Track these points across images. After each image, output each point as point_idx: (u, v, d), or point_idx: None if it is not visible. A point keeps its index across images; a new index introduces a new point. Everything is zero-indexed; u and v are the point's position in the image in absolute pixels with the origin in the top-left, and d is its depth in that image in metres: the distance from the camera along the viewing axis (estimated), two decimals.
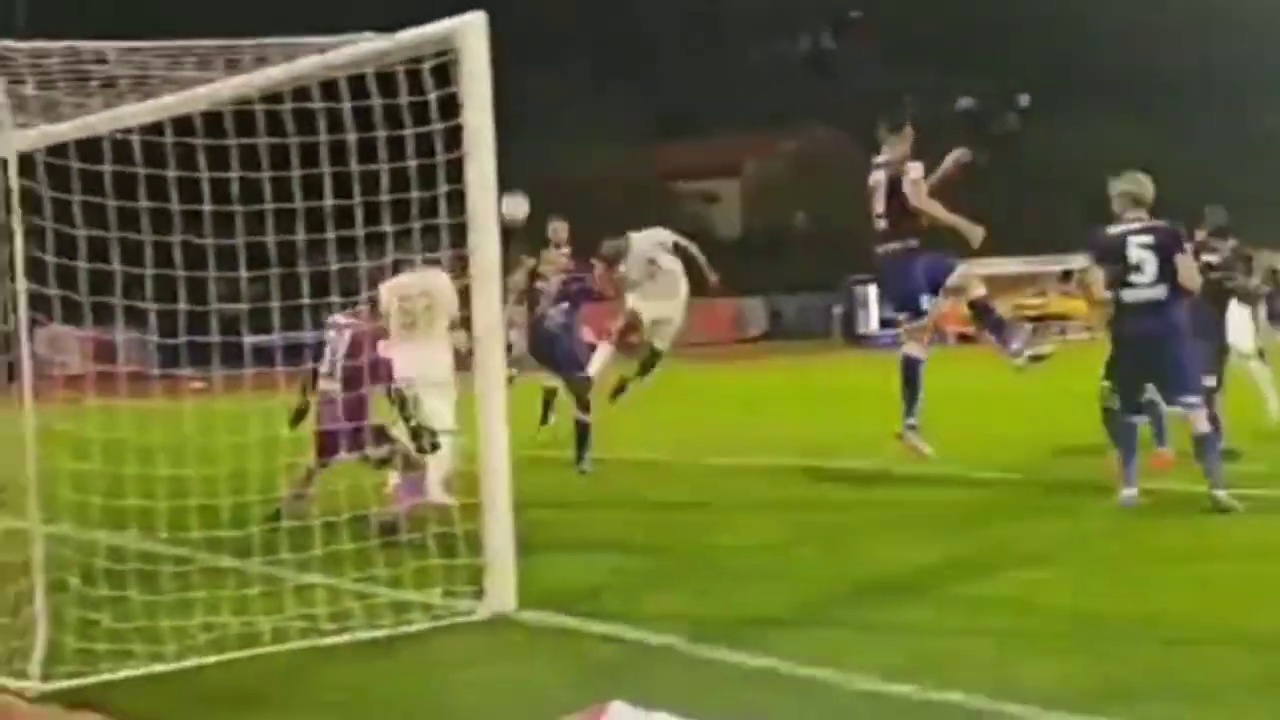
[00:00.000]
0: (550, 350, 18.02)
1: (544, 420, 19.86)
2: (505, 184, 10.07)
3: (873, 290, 68.53)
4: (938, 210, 14.70)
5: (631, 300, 17.78)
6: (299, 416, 13.82)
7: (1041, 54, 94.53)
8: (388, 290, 14.43)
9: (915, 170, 14.49)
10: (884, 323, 68.91)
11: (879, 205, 14.82)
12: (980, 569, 11.16)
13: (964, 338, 65.55)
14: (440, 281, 14.00)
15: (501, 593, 10.05)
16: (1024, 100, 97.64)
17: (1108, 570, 10.94)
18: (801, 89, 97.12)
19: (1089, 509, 13.52)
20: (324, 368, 13.86)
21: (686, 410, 25.79)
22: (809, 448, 19.48)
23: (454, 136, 9.99)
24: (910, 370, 14.56)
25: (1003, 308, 61.78)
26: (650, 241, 17.60)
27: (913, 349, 14.51)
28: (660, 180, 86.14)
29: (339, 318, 13.70)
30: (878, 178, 14.75)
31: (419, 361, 13.96)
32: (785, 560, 12.00)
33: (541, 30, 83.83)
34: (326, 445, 13.67)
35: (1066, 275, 67.32)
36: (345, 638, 9.48)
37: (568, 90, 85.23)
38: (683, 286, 18.05)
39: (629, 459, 18.86)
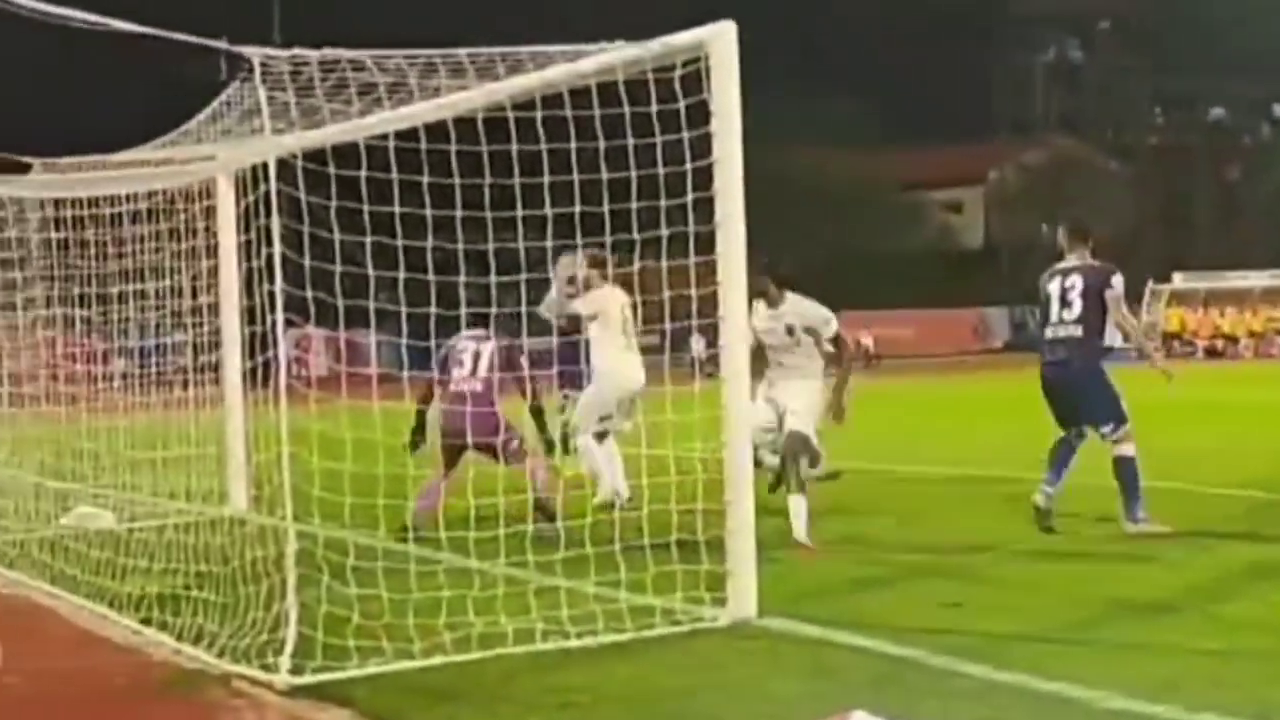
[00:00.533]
0: None
1: None
2: (750, 190, 10.08)
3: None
4: (1134, 325, 14.04)
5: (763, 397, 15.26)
6: (420, 430, 14.26)
7: None
8: (606, 300, 14.89)
9: (1120, 283, 13.77)
10: (1126, 336, 67.79)
11: (1072, 312, 13.71)
12: (1232, 589, 10.94)
13: (1211, 352, 64.51)
14: None
15: (743, 599, 10.07)
16: (1278, 111, 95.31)
17: None
18: (1047, 98, 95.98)
19: None
20: (462, 371, 14.25)
21: (925, 419, 25.58)
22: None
23: (700, 144, 10.04)
24: (1130, 470, 13.54)
25: (1255, 322, 60.07)
26: (817, 315, 14.09)
27: (1129, 448, 13.54)
28: (903, 189, 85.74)
29: (478, 330, 14.25)
30: (1073, 282, 13.76)
31: (639, 367, 14.81)
32: (1030, 574, 11.83)
33: (785, 36, 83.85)
34: (454, 454, 14.04)
35: None
36: (587, 640, 9.55)
37: (810, 97, 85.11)
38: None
39: (866, 469, 18.76)
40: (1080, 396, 13.67)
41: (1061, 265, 14.03)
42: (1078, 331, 13.68)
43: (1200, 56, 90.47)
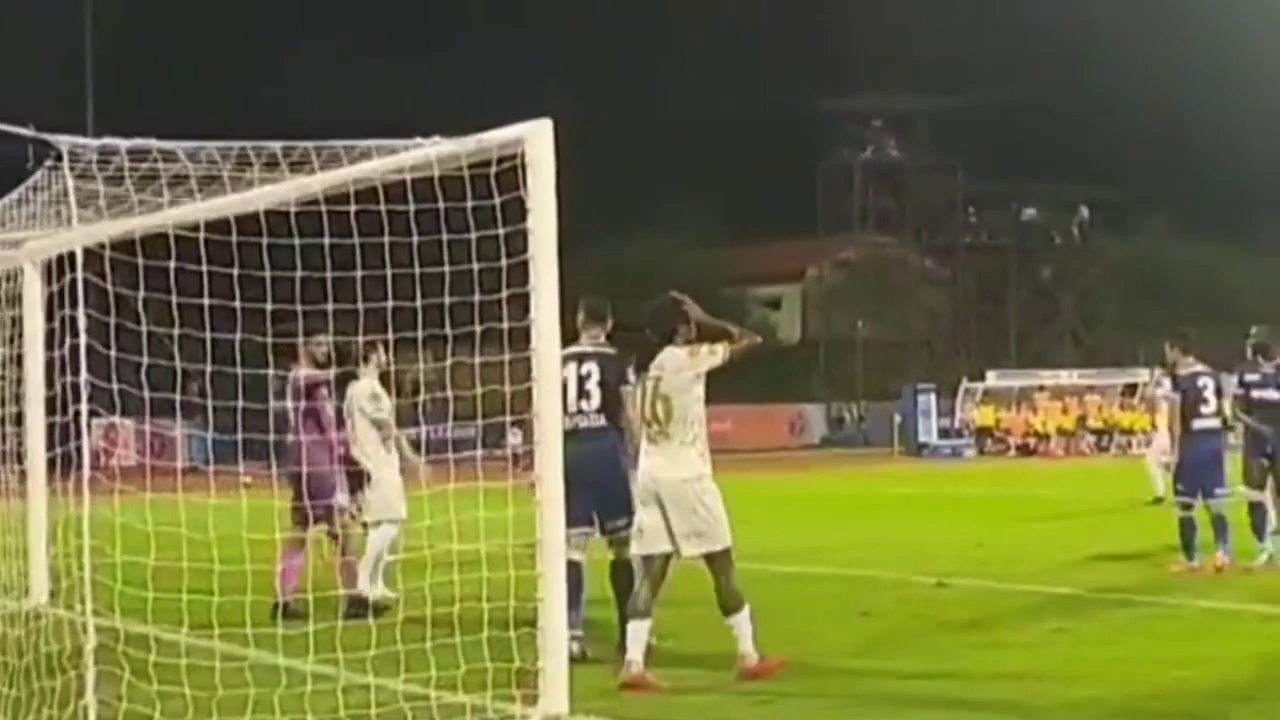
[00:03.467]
0: None
1: None
2: (565, 286, 10.10)
3: (933, 399, 68.50)
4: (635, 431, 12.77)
5: None
6: None
7: (1121, 165, 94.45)
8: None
9: (633, 375, 12.81)
10: (943, 433, 68.90)
11: (591, 402, 12.83)
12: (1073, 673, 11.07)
13: (1024, 449, 65.56)
14: None
15: (555, 696, 10.00)
16: (1084, 212, 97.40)
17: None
18: (864, 197, 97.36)
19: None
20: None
21: (743, 514, 25.64)
22: (862, 557, 19.38)
23: (516, 240, 10.05)
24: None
25: (1066, 420, 61.05)
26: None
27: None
28: (724, 285, 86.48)
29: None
30: (589, 370, 12.87)
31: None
32: (851, 669, 11.81)
33: (621, 133, 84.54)
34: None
35: (1130, 389, 67.38)
36: None
37: (632, 192, 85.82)
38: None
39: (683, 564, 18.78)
40: (599, 490, 12.66)
41: (576, 349, 12.97)
42: (600, 421, 12.90)
43: (1013, 157, 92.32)
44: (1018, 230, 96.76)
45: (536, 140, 10.02)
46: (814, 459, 60.87)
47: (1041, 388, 70.63)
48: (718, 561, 11.65)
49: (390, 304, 10.42)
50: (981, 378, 71.55)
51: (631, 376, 12.76)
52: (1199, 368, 17.85)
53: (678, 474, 11.49)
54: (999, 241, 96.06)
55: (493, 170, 10.02)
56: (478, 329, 10.35)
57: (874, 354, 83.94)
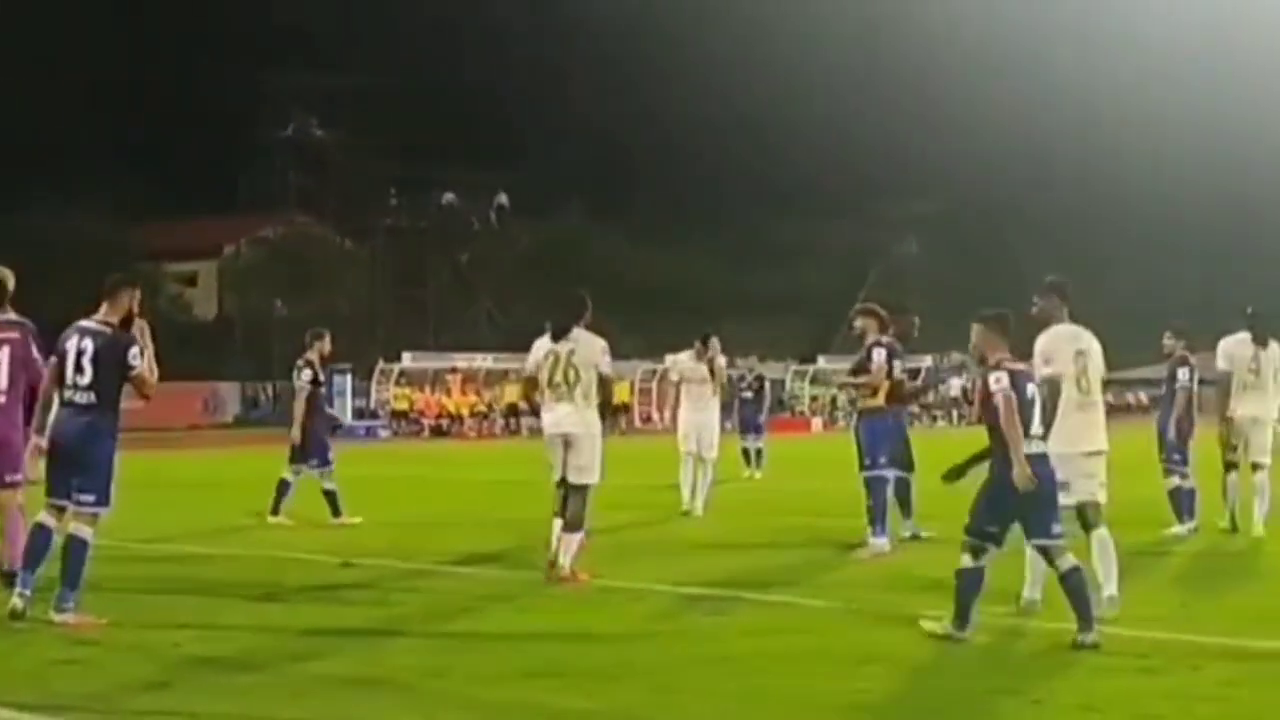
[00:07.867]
0: None
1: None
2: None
3: (349, 380, 68.66)
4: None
5: None
6: None
7: (539, 151, 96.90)
8: None
9: (136, 356, 12.84)
10: (359, 413, 69.18)
11: (84, 377, 12.73)
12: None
13: (437, 431, 66.40)
14: None
15: None
16: (503, 198, 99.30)
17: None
18: (285, 175, 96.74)
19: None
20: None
21: (147, 495, 25.21)
22: (270, 537, 19.29)
23: None
24: (83, 553, 12.70)
25: (479, 402, 62.04)
26: None
27: (89, 531, 12.80)
28: (140, 260, 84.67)
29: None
30: (86, 345, 12.79)
31: None
32: (254, 647, 11.72)
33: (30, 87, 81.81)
34: None
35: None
36: None
37: (47, 157, 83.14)
38: None
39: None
40: (78, 467, 12.75)
41: (83, 324, 12.98)
42: (89, 398, 12.75)
43: (435, 141, 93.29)
44: (438, 214, 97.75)
45: None
46: (227, 438, 60.17)
47: (454, 370, 71.89)
48: (582, 492, 14.85)
49: None
50: (398, 359, 72.17)
51: (135, 361, 12.77)
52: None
53: (583, 426, 14.84)
54: (419, 224, 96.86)
55: None
56: None
57: (292, 333, 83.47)
